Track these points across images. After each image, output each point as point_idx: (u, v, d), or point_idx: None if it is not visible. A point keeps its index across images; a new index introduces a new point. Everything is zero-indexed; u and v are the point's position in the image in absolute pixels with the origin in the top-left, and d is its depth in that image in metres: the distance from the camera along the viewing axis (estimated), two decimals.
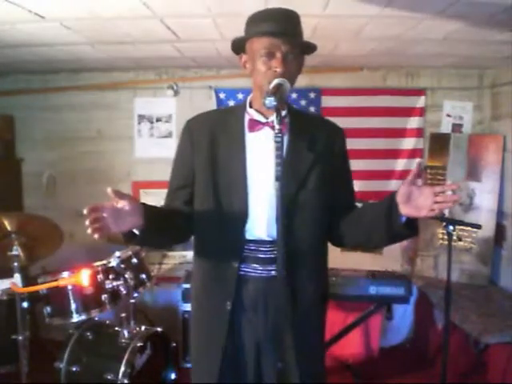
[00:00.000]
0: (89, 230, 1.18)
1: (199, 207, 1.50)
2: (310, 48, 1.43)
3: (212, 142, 1.48)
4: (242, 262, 1.44)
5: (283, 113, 1.44)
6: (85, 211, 1.18)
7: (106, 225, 1.22)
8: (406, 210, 1.31)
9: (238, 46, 1.45)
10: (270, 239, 1.43)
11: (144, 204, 1.34)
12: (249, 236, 1.44)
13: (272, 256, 1.43)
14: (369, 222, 1.45)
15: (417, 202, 1.29)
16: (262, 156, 1.43)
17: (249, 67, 1.44)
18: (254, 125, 1.46)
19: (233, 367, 1.47)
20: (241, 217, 1.43)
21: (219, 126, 1.51)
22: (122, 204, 1.25)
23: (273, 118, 1.39)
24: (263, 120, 1.45)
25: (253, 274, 1.45)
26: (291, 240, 1.38)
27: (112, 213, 1.23)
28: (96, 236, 1.19)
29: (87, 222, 1.18)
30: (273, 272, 1.43)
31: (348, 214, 1.51)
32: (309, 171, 1.45)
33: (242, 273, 1.45)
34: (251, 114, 1.47)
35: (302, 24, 1.42)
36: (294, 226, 1.43)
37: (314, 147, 1.46)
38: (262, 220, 1.43)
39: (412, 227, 1.36)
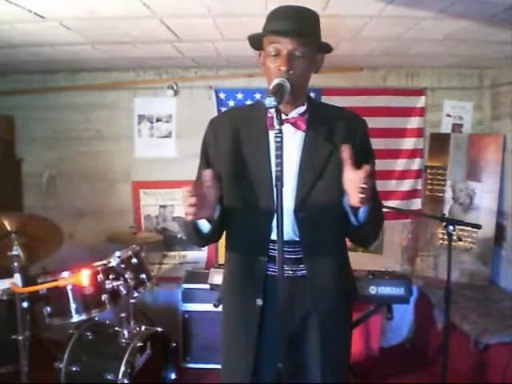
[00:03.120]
0: (187, 210, 1.21)
1: (227, 205, 1.48)
2: (326, 47, 1.41)
3: (236, 139, 1.46)
4: (269, 260, 1.43)
5: (302, 109, 1.45)
6: (186, 192, 1.19)
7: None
8: (349, 199, 1.31)
9: (256, 43, 1.44)
10: (297, 239, 1.43)
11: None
12: (274, 236, 1.40)
13: (298, 256, 1.43)
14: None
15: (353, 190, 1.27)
16: (285, 153, 1.41)
17: (263, 65, 1.43)
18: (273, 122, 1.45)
19: (265, 364, 1.45)
20: (266, 215, 1.40)
21: (243, 123, 1.49)
22: (209, 189, 1.26)
23: (293, 114, 1.42)
24: (282, 117, 1.43)
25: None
26: (309, 233, 1.39)
27: (200, 198, 1.24)
28: (189, 218, 1.23)
29: (187, 202, 1.20)
30: (299, 272, 1.44)
31: None
32: (326, 162, 1.42)
33: (270, 272, 1.44)
34: (271, 111, 1.45)
35: (319, 23, 1.40)
36: (311, 218, 1.40)
37: (332, 138, 1.44)
38: (286, 220, 1.39)
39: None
